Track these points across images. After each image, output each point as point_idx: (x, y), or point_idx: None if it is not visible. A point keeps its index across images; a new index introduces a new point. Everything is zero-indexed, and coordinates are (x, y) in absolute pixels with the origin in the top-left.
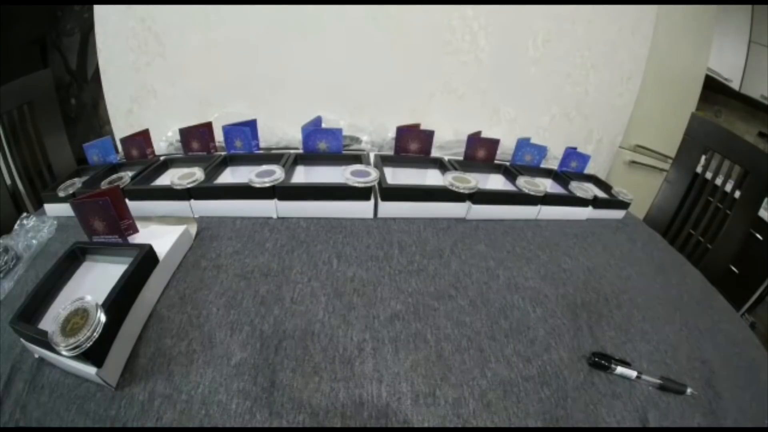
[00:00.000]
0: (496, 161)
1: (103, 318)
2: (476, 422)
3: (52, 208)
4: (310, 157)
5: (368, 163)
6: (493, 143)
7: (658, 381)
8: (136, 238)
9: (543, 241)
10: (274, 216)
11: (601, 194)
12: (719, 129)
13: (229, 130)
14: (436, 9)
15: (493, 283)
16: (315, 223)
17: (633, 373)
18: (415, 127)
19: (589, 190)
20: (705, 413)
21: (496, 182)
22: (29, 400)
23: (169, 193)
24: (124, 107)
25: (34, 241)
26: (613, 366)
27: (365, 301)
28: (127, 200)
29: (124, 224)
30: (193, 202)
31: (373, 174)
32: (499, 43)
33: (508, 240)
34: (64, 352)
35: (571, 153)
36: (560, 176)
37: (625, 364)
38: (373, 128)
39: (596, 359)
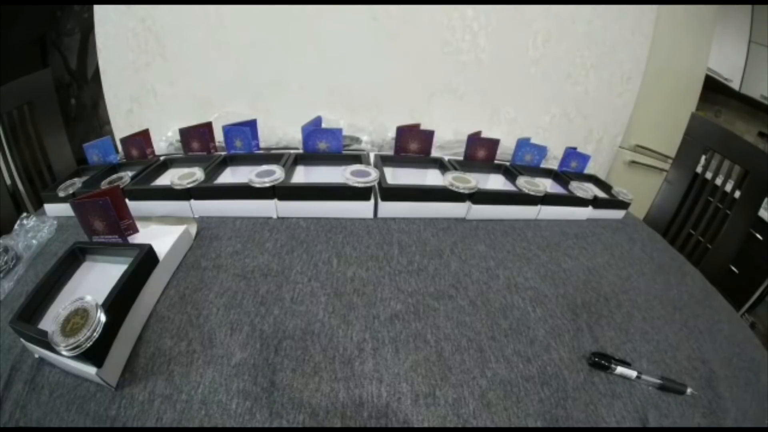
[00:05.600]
0: (496, 161)
1: (103, 318)
2: (476, 422)
3: (52, 208)
4: (310, 157)
5: (368, 163)
6: (493, 143)
7: (658, 381)
8: (136, 238)
9: (543, 241)
10: (274, 216)
11: (601, 194)
12: (719, 129)
13: (229, 130)
14: (436, 9)
15: (493, 283)
16: (315, 223)
17: (633, 373)
18: (415, 127)
19: (589, 190)
20: (705, 413)
21: (496, 182)
22: (29, 400)
23: (169, 193)
24: (124, 107)
25: (34, 241)
26: (613, 366)
27: (365, 301)
28: (127, 200)
29: (124, 224)
30: (193, 202)
31: (373, 174)
32: (499, 43)
33: (508, 240)
34: (64, 352)
35: (571, 153)
36: (560, 176)
37: (625, 364)
38: (373, 128)
39: (596, 359)
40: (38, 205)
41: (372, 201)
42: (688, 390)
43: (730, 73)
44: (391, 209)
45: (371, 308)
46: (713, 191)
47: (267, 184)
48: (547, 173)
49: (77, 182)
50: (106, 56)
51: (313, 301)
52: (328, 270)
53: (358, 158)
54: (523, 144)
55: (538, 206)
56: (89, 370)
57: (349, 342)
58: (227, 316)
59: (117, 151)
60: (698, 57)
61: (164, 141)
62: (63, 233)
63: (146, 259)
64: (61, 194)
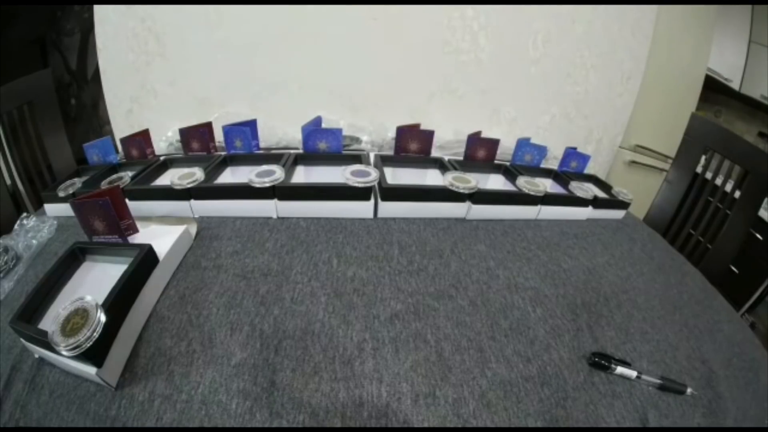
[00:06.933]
0: (496, 161)
1: (103, 318)
2: (476, 422)
3: (52, 208)
4: (310, 157)
5: (368, 163)
6: (493, 143)
7: (658, 381)
8: (136, 238)
9: (543, 241)
10: (274, 216)
11: (601, 194)
12: (719, 129)
13: (229, 130)
14: (436, 9)
15: (493, 283)
16: (315, 223)
17: (633, 373)
18: (415, 127)
19: (589, 190)
20: (705, 413)
21: (496, 182)
22: (29, 400)
23: (169, 193)
24: (124, 107)
25: (34, 241)
26: (613, 366)
27: (365, 301)
28: (127, 200)
29: (124, 224)
30: (193, 202)
31: (373, 174)
32: (499, 43)
33: (508, 240)
34: (64, 352)
35: (571, 153)
36: (560, 176)
37: (625, 364)
38: (373, 128)
39: (596, 359)
40: (38, 205)
41: (372, 201)
42: (688, 390)
43: (730, 73)
44: (391, 209)
45: (371, 308)
46: (713, 191)
47: (267, 184)
48: (547, 173)
49: (77, 182)
50: (106, 56)
51: (313, 301)
52: (328, 270)
53: (358, 158)
54: (523, 144)
55: (538, 206)
56: (89, 370)
57: (349, 342)
58: (227, 316)
59: (117, 151)
60: (698, 57)
61: (164, 141)
62: (63, 233)
63: (146, 259)
64: (61, 194)
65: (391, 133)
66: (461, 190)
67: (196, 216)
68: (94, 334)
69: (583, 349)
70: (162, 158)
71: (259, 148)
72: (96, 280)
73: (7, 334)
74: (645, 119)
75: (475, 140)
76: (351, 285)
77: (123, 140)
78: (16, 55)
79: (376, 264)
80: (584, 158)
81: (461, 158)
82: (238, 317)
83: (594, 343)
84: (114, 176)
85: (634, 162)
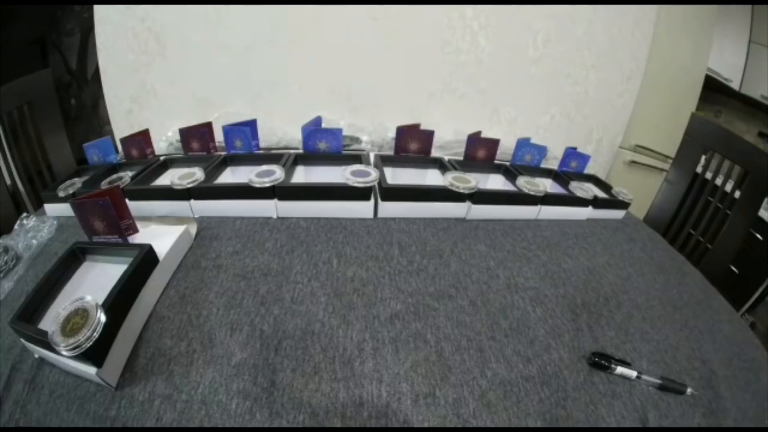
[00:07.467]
0: (496, 161)
1: (103, 318)
2: (476, 422)
3: (52, 208)
4: (310, 157)
5: (368, 163)
6: (493, 143)
7: (658, 381)
8: (136, 238)
9: (543, 241)
10: (274, 216)
11: (601, 194)
12: (719, 129)
13: (229, 130)
14: (436, 9)
15: (493, 283)
16: (315, 223)
17: (633, 373)
18: (415, 127)
19: (589, 190)
20: (705, 413)
21: (496, 182)
22: (29, 400)
23: (169, 193)
24: (124, 107)
25: (34, 241)
26: (613, 366)
27: (365, 301)
28: (127, 200)
29: (124, 224)
30: (193, 202)
31: (373, 174)
32: (499, 43)
33: (508, 240)
34: (64, 352)
35: (571, 153)
36: (560, 176)
37: (625, 364)
38: (373, 128)
39: (596, 359)
40: (38, 205)
41: (372, 201)
42: (688, 390)
43: (730, 73)
44: (391, 209)
45: (371, 308)
46: (713, 191)
47: (267, 184)
48: (547, 173)
49: (77, 182)
50: (106, 56)
51: (313, 301)
52: (328, 270)
53: (358, 158)
54: (523, 144)
55: (538, 206)
56: (89, 370)
57: (349, 342)
58: (227, 316)
59: (117, 151)
60: (698, 57)
61: (164, 141)
62: (63, 233)
63: (146, 259)
64: (61, 194)
65: (391, 133)
66: (461, 190)
67: (196, 216)
68: (94, 334)
69: (583, 349)
70: (162, 158)
71: (259, 148)
72: (96, 280)
73: (7, 334)
74: (645, 119)
75: (475, 140)
76: (351, 285)
77: (123, 140)
78: (16, 55)
79: (376, 264)
80: (584, 158)
81: (461, 158)
82: (238, 317)
83: (594, 343)
84: (114, 176)
85: (634, 162)
